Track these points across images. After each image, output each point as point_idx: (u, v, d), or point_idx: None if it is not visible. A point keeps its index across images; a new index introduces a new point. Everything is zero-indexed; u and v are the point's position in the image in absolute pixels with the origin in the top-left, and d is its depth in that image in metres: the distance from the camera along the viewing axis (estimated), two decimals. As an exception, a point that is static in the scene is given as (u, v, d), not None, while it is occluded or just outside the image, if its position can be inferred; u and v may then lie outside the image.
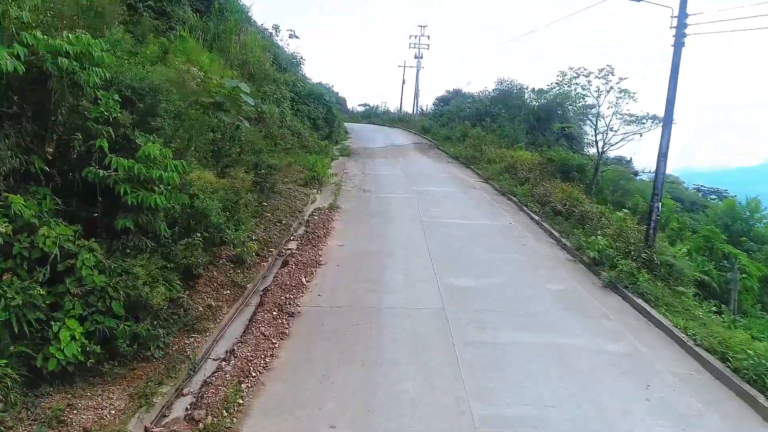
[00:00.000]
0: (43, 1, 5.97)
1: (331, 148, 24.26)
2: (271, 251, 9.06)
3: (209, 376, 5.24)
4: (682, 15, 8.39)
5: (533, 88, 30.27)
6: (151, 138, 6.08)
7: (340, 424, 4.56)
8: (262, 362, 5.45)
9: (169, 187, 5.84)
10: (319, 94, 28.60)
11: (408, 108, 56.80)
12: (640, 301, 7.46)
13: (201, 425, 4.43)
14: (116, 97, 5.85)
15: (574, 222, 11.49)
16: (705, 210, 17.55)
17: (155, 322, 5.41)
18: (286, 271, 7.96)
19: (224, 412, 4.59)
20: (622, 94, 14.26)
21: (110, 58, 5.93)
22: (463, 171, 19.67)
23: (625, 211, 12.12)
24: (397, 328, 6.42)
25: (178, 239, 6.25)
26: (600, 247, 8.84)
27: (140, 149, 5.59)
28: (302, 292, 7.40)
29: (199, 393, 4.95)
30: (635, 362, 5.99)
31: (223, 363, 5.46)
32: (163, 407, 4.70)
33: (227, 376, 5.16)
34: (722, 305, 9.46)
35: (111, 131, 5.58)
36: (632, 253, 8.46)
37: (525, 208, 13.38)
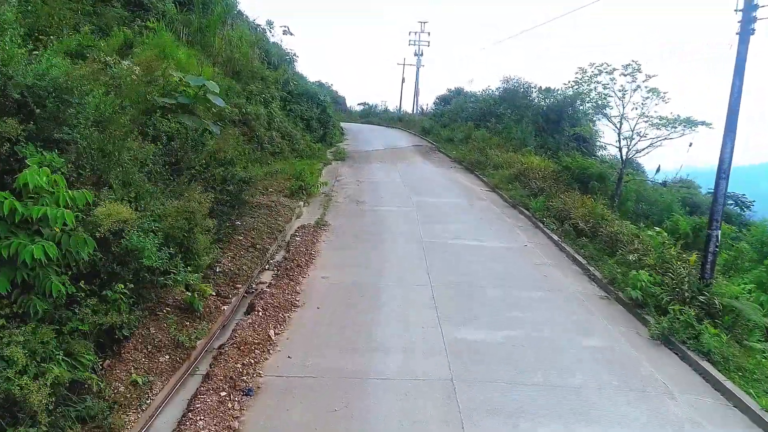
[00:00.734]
0: None
1: (324, 152, 22.56)
2: (237, 287, 7.35)
3: None
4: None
5: (540, 87, 28.63)
6: (50, 156, 4.38)
7: None
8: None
9: (68, 228, 4.14)
10: (313, 93, 26.91)
11: (407, 107, 55.09)
12: (705, 364, 5.75)
13: None
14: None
15: (600, 244, 9.79)
16: (745, 227, 15.76)
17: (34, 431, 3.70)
18: (250, 321, 6.25)
19: None
20: (651, 93, 12.56)
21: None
22: (467, 177, 17.95)
23: (658, 230, 10.41)
24: (387, 416, 4.71)
25: (89, 295, 4.55)
26: (642, 284, 7.14)
27: (18, 177, 3.89)
28: (268, 353, 5.69)
29: None
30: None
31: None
32: None
33: None
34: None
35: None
36: (685, 293, 6.76)
37: (541, 225, 11.66)
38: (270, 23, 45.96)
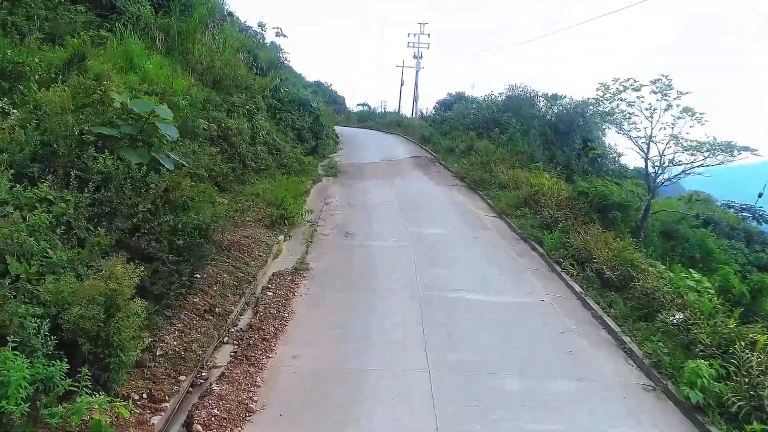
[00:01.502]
0: None
1: (316, 165, 20.92)
2: (181, 380, 5.70)
3: None
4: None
5: (546, 93, 27.02)
6: None
7: None
8: None
9: None
10: (305, 100, 25.24)
11: (406, 108, 53.49)
12: None
13: None
14: None
15: (633, 302, 8.15)
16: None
17: None
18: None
19: None
20: (684, 113, 10.90)
21: None
22: (470, 198, 16.29)
23: (698, 277, 8.79)
24: None
25: None
26: (704, 380, 5.50)
27: None
28: None
29: None
30: None
31: None
32: None
33: None
34: None
35: None
36: (765, 403, 5.11)
37: (557, 268, 10.01)
38: (262, 25, 44.08)
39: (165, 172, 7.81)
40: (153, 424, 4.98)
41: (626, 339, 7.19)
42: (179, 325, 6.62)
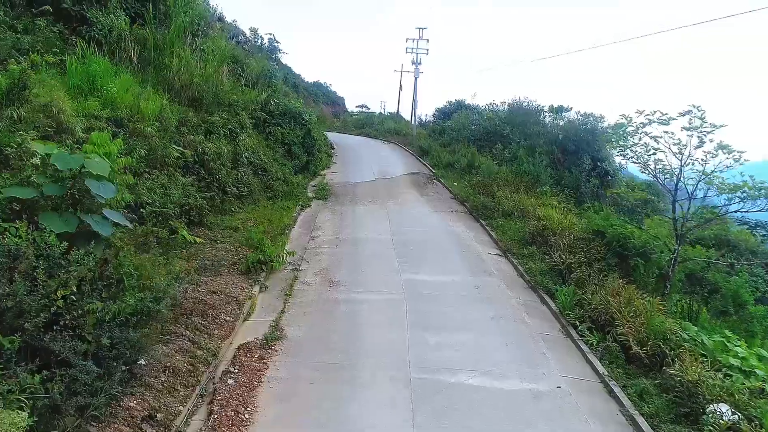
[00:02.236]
0: None
1: (306, 186, 19.54)
2: None
3: None
4: None
5: (551, 106, 25.65)
6: None
7: None
8: None
9: None
10: (296, 113, 23.81)
11: (405, 110, 52.05)
12: None
13: None
14: None
15: (670, 393, 6.74)
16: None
17: None
18: None
19: None
20: (720, 150, 9.48)
21: None
22: (471, 229, 14.86)
23: (743, 353, 7.41)
24: None
25: None
26: None
27: None
28: None
29: None
30: None
31: None
32: None
33: None
34: None
35: None
36: None
37: (574, 334, 8.60)
38: (254, 30, 42.64)
39: (102, 239, 6.38)
40: None
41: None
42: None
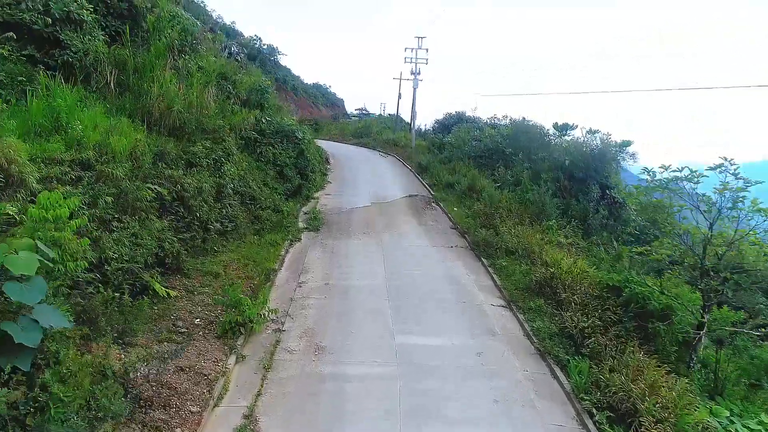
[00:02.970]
0: None
1: (297, 213, 18.46)
2: None
3: None
4: None
5: (555, 123, 24.60)
6: None
7: None
8: None
9: None
10: (289, 132, 22.81)
11: (405, 113, 50.97)
12: None
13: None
14: None
15: None
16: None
17: None
18: None
19: None
20: (754, 213, 8.33)
21: None
22: (472, 271, 13.75)
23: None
24: None
25: None
26: None
27: None
28: None
29: None
30: None
31: None
32: None
33: None
34: None
35: None
36: None
37: (591, 426, 7.52)
38: (255, 40, 42.00)
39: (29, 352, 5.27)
40: None
41: None
42: None
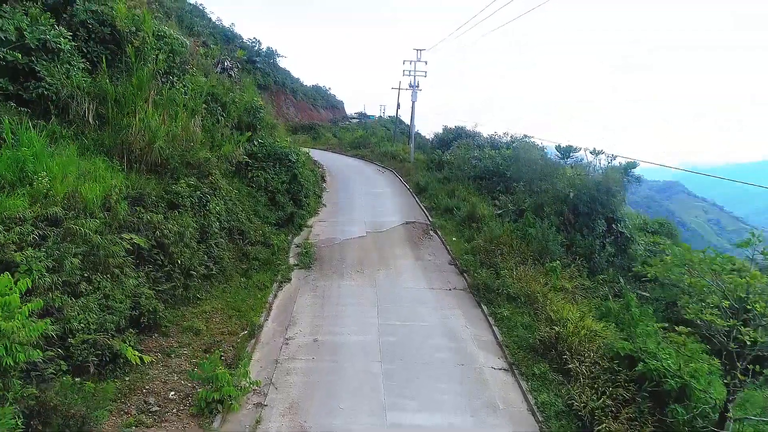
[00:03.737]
0: None
1: (288, 246, 17.63)
2: None
3: None
4: None
5: (558, 145, 23.80)
6: None
7: None
8: None
9: None
10: (282, 155, 22.00)
11: (405, 115, 50.14)
12: None
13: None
14: None
15: None
16: None
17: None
18: None
19: None
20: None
21: None
22: (471, 323, 12.87)
23: None
24: None
25: None
26: None
27: None
28: None
29: None
30: None
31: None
32: None
33: None
34: None
35: None
36: None
37: None
38: (254, 42, 41.02)
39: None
40: None
41: None
42: None
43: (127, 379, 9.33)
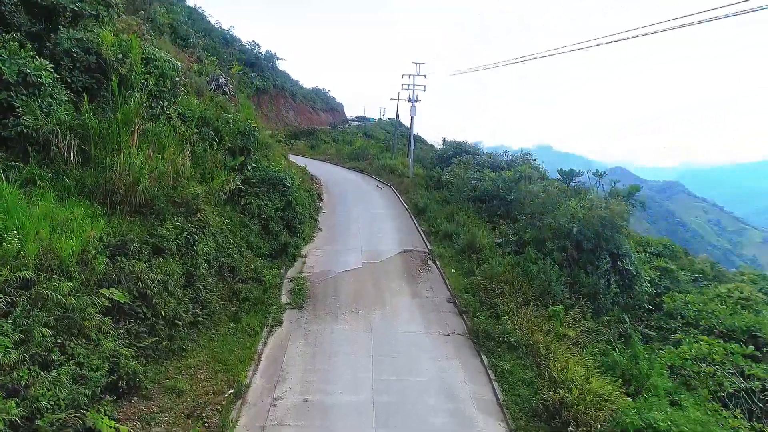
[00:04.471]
0: None
1: (281, 280, 17.00)
2: None
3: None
4: None
5: (560, 169, 23.21)
6: None
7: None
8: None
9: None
10: (276, 179, 21.40)
11: (405, 118, 49.60)
12: None
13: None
14: None
15: None
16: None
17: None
18: None
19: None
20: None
21: None
22: (470, 378, 12.19)
23: None
24: None
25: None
26: None
27: None
28: None
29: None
30: None
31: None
32: None
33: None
34: None
35: None
36: None
37: None
38: (253, 46, 40.35)
39: None
40: None
41: None
42: None
43: (100, 456, 8.67)
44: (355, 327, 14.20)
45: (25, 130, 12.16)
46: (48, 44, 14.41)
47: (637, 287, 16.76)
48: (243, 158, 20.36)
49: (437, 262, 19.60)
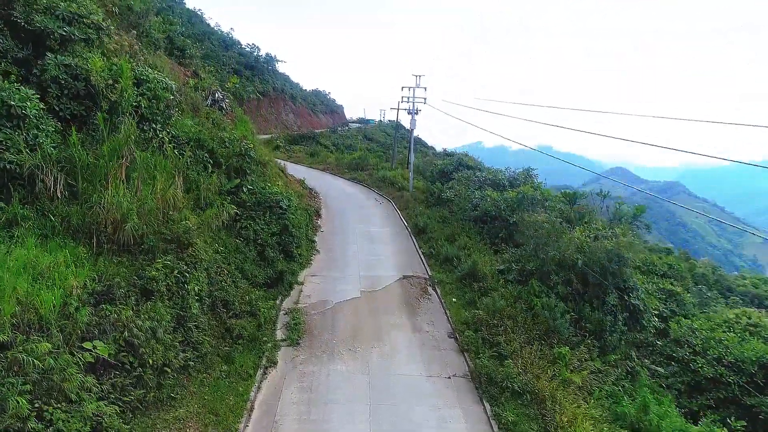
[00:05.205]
0: None
1: (276, 314, 16.43)
2: None
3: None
4: None
5: (565, 192, 22.67)
6: None
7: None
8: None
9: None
10: (273, 202, 20.86)
11: (405, 121, 49.07)
12: None
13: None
14: None
15: None
16: None
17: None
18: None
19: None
20: None
21: None
22: (473, 428, 11.69)
23: None
24: None
25: None
26: None
27: None
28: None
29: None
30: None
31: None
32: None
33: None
34: None
35: None
36: None
37: None
38: (253, 48, 39.88)
39: None
40: None
41: None
42: None
43: None
44: (352, 368, 13.65)
45: (8, 166, 11.62)
46: (35, 70, 13.86)
47: (644, 322, 16.22)
48: (239, 180, 19.84)
49: (437, 290, 19.07)
